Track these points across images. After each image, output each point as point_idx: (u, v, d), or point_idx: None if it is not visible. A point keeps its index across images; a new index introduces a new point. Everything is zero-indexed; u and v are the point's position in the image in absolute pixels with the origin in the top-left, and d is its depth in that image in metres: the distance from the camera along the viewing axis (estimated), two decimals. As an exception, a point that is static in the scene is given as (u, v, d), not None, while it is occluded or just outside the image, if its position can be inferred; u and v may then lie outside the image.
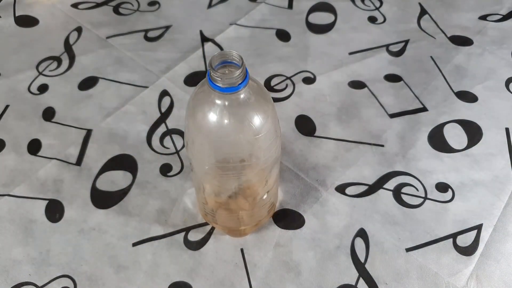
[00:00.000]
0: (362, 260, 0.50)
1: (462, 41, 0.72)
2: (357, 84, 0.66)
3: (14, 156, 0.58)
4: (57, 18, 0.75)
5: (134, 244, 0.51)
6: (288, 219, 0.53)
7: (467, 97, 0.64)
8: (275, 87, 0.66)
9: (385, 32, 0.73)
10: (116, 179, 0.56)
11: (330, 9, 0.77)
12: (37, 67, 0.68)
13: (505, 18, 0.75)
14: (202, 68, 0.68)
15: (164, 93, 0.65)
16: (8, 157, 0.58)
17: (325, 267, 0.49)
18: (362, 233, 0.52)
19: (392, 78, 0.67)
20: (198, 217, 0.53)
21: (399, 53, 0.70)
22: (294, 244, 0.51)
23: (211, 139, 0.40)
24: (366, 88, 0.65)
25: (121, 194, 0.55)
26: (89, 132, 0.60)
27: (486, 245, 0.51)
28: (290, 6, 0.77)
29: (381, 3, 0.78)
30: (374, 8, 0.77)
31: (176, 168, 0.57)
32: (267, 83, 0.66)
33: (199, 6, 0.77)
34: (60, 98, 0.64)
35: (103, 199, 0.54)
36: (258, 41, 0.72)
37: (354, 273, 0.49)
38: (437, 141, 0.60)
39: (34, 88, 0.65)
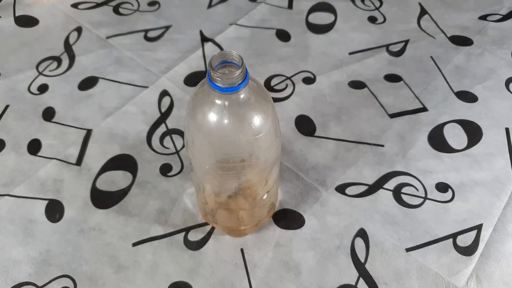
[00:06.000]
0: (362, 260, 0.50)
1: (462, 41, 0.72)
2: (357, 84, 0.66)
3: (14, 156, 0.58)
4: (57, 18, 0.75)
5: (134, 244, 0.51)
6: (288, 219, 0.53)
7: (467, 97, 0.64)
8: (275, 87, 0.66)
9: (385, 32, 0.73)
10: (116, 179, 0.56)
11: (330, 9, 0.77)
12: (37, 67, 0.68)
13: (505, 18, 0.75)
14: (202, 68, 0.68)
15: (164, 93, 0.65)
16: (8, 157, 0.58)
17: (325, 267, 0.49)
18: (362, 233, 0.52)
19: (392, 78, 0.67)
20: (198, 217, 0.53)
21: (399, 53, 0.70)
22: (294, 244, 0.51)
23: (211, 139, 0.40)
24: (366, 88, 0.65)
25: (121, 194, 0.55)
26: (89, 132, 0.60)
27: (486, 245, 0.51)
28: (290, 6, 0.77)
29: (381, 3, 0.78)
30: (374, 8, 0.77)
31: (176, 168, 0.57)
32: (267, 83, 0.66)
33: (199, 6, 0.77)
34: (60, 98, 0.64)
35: (103, 199, 0.54)
36: (258, 41, 0.72)
37: (354, 273, 0.49)
38: (437, 141, 0.60)
39: (34, 88, 0.65)
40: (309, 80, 0.66)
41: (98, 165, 0.57)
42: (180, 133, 0.60)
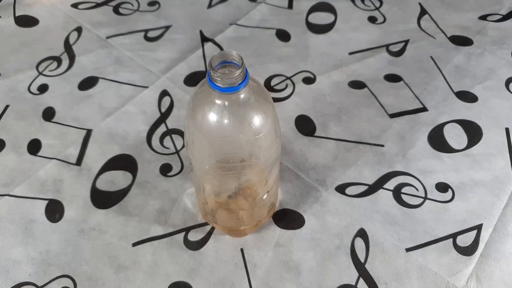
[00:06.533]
0: (362, 260, 0.50)
1: (462, 41, 0.72)
2: (357, 84, 0.66)
3: (14, 156, 0.58)
4: (57, 18, 0.75)
5: (134, 244, 0.51)
6: (288, 219, 0.53)
7: (467, 97, 0.64)
8: (275, 87, 0.66)
9: (385, 32, 0.73)
10: (116, 179, 0.56)
11: (330, 9, 0.77)
12: (37, 67, 0.68)
13: (505, 18, 0.75)
14: (202, 68, 0.68)
15: (164, 93, 0.65)
16: (8, 157, 0.58)
17: (325, 267, 0.49)
18: (362, 233, 0.52)
19: (392, 78, 0.67)
20: (198, 217, 0.53)
21: (399, 53, 0.70)
22: (294, 244, 0.51)
23: (211, 139, 0.40)
24: (366, 88, 0.65)
25: (121, 194, 0.55)
26: (89, 132, 0.60)
27: (486, 245, 0.51)
28: (290, 6, 0.77)
29: (381, 3, 0.78)
30: (374, 8, 0.77)
31: (176, 168, 0.57)
32: (267, 83, 0.66)
33: (199, 6, 0.77)
34: (60, 98, 0.64)
35: (103, 199, 0.54)
36: (258, 41, 0.72)
37: (354, 273, 0.49)
38: (437, 141, 0.60)
39: (34, 88, 0.65)
40: (309, 80, 0.66)
41: (98, 165, 0.57)
42: (180, 133, 0.60)
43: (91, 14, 0.76)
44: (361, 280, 0.48)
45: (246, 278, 0.49)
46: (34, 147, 0.59)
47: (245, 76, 0.37)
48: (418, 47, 0.71)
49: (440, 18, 0.75)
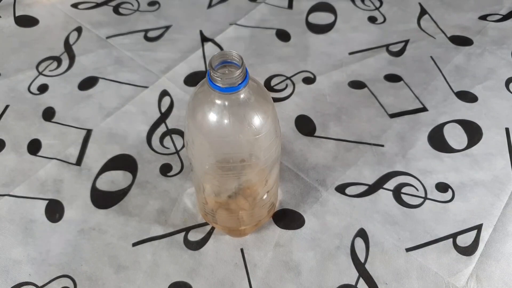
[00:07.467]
0: (362, 260, 0.50)
1: (462, 41, 0.72)
2: (357, 84, 0.66)
3: (14, 156, 0.58)
4: (57, 18, 0.75)
5: (134, 244, 0.51)
6: (288, 219, 0.53)
7: (467, 97, 0.64)
8: (275, 87, 0.66)
9: (385, 32, 0.73)
10: (116, 179, 0.56)
11: (330, 9, 0.77)
12: (37, 67, 0.68)
13: (505, 18, 0.75)
14: (202, 68, 0.68)
15: (164, 93, 0.65)
16: (8, 157, 0.58)
17: (325, 267, 0.49)
18: (362, 233, 0.52)
19: (392, 78, 0.67)
20: (198, 217, 0.53)
21: (399, 53, 0.70)
22: (294, 244, 0.51)
23: (211, 139, 0.40)
24: (366, 88, 0.65)
25: (121, 194, 0.55)
26: (89, 132, 0.60)
27: (486, 245, 0.51)
28: (290, 6, 0.77)
29: (381, 3, 0.78)
30: (374, 8, 0.77)
31: (176, 168, 0.57)
32: (267, 83, 0.66)
33: (199, 6, 0.77)
34: (60, 98, 0.64)
35: (103, 199, 0.54)
36: (258, 41, 0.72)
37: (354, 273, 0.49)
38: (437, 141, 0.60)
39: (34, 88, 0.65)
40: (309, 80, 0.66)
41: (98, 165, 0.57)
42: (180, 133, 0.60)
43: (91, 14, 0.76)
44: (361, 280, 0.48)
45: (246, 278, 0.49)
46: (34, 147, 0.59)
47: (245, 76, 0.37)
48: (418, 47, 0.71)
49: (440, 18, 0.75)
